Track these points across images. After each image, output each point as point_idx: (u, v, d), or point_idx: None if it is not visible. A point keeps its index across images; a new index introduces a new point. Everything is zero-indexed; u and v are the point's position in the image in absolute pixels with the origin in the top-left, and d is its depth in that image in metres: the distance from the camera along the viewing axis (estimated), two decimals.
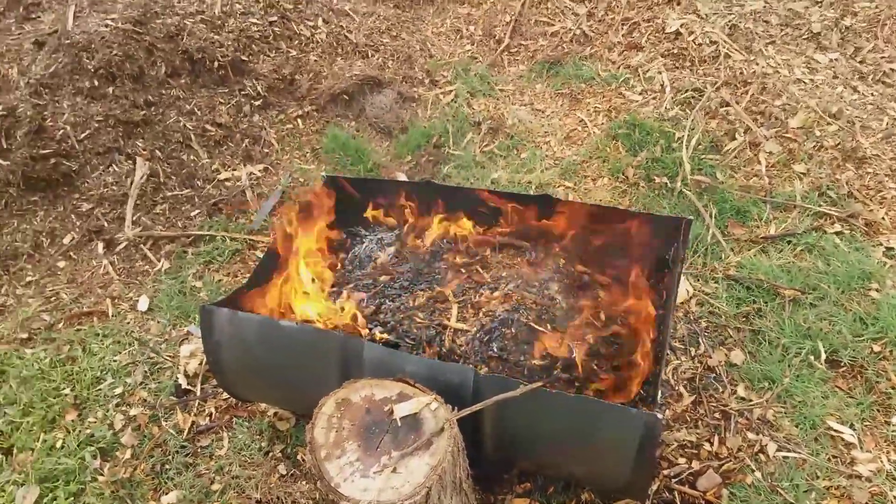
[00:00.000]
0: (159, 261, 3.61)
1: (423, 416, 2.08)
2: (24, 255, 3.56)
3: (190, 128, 3.97)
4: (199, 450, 2.90)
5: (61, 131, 3.69)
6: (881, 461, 2.63)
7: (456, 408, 2.08)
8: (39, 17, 4.31)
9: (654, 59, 4.63)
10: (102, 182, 3.73)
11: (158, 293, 3.49)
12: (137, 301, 3.46)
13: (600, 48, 4.93)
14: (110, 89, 3.81)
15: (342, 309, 2.68)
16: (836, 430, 2.74)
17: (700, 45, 4.52)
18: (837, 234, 3.55)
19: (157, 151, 3.86)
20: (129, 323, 3.38)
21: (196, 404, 3.05)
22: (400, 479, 1.94)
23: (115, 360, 3.20)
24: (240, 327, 2.48)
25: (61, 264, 3.59)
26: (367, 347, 2.34)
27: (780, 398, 2.86)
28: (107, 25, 3.86)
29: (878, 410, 2.80)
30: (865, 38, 4.52)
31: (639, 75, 4.60)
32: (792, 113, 4.07)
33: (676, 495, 2.57)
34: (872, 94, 4.21)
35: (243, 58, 4.24)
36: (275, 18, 4.47)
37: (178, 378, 3.12)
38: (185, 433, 2.94)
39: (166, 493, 2.76)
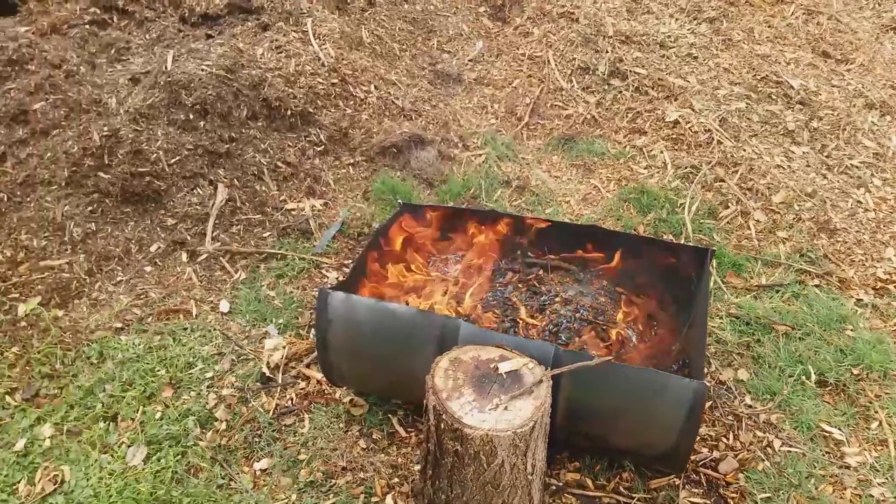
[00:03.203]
0: (236, 272, 4.06)
1: (523, 372, 2.58)
2: (115, 258, 3.97)
3: (264, 163, 4.52)
4: (283, 427, 3.29)
5: (155, 155, 4.19)
6: (865, 455, 3.20)
7: (548, 367, 2.59)
8: (129, 59, 4.87)
9: (656, 141, 5.43)
10: (187, 202, 4.22)
11: (237, 299, 3.92)
12: (219, 304, 3.88)
13: (608, 130, 5.71)
14: (202, 123, 4.36)
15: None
16: (827, 432, 3.31)
17: (696, 132, 5.34)
18: (817, 286, 4.23)
19: (235, 180, 4.38)
20: (211, 321, 3.79)
21: (278, 391, 3.45)
22: (511, 414, 2.41)
23: (203, 350, 3.60)
24: (351, 308, 2.96)
25: (148, 269, 4.01)
26: (462, 327, 2.84)
27: (781, 407, 3.43)
28: (203, 70, 4.45)
29: (860, 418, 3.39)
30: (830, 138, 5.41)
31: (643, 153, 5.37)
32: (775, 190, 4.85)
33: (702, 476, 3.08)
34: (838, 182, 5.04)
35: (310, 110, 4.86)
36: (336, 81, 5.13)
37: (262, 368, 3.52)
38: (271, 413, 3.33)
39: (258, 461, 3.13)
